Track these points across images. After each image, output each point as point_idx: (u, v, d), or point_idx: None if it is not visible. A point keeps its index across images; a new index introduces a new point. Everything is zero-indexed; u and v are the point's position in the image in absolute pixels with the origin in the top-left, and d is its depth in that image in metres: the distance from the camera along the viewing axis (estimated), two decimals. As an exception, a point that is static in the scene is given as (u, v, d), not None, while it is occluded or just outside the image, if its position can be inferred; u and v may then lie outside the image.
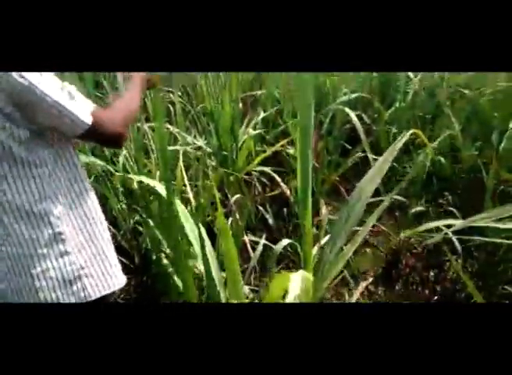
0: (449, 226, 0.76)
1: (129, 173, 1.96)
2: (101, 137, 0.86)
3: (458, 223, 0.71)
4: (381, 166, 1.04)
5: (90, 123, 0.81)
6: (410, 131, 1.13)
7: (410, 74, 2.68)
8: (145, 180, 1.27)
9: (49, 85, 0.76)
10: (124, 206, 2.05)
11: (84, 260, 0.86)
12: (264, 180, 2.36)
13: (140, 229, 1.98)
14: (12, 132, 0.76)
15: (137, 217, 2.02)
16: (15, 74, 0.72)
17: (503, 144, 2.20)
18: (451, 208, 2.02)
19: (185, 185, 1.18)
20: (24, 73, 0.73)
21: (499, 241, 1.15)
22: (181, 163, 1.25)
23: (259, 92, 2.81)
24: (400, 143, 1.08)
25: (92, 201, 0.91)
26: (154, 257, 1.90)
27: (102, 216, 0.94)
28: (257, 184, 2.15)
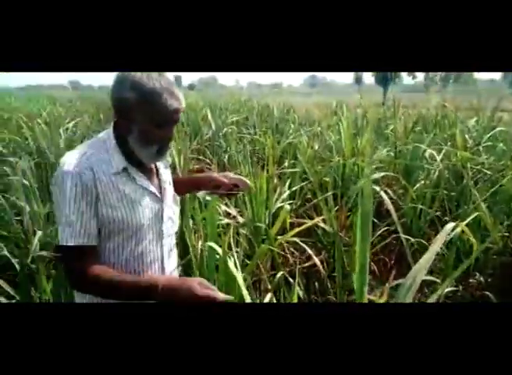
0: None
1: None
2: (65, 269, 0.94)
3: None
4: (433, 251, 1.09)
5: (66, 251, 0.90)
6: (456, 223, 1.19)
7: (434, 153, 2.80)
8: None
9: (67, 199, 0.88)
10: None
11: None
12: (294, 251, 2.39)
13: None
14: None
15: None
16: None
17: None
18: (486, 292, 2.01)
19: (232, 255, 1.24)
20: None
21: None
22: (231, 233, 1.32)
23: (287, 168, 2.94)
24: (448, 231, 1.14)
25: None
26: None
27: None
28: (290, 256, 2.18)
